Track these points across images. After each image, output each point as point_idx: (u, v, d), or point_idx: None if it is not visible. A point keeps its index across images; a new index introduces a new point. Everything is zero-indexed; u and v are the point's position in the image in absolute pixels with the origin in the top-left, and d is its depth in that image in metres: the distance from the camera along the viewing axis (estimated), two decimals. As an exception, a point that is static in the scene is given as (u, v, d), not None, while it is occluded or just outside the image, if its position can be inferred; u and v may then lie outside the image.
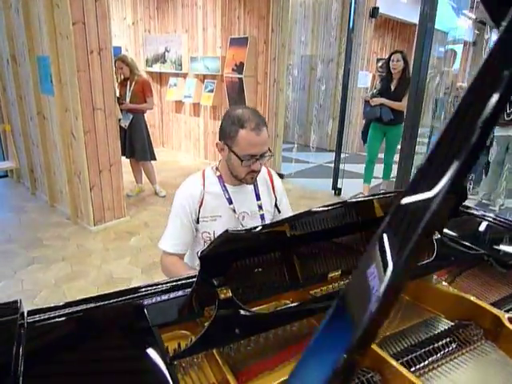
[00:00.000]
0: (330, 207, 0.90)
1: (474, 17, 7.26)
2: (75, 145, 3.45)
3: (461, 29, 7.88)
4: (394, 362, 0.85)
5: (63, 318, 0.86)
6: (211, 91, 5.53)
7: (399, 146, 3.61)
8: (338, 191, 4.84)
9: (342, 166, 4.77)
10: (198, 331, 0.93)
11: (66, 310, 0.89)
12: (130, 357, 0.74)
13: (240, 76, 4.94)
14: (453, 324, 1.07)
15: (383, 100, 4.19)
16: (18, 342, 0.76)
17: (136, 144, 4.20)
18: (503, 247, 1.32)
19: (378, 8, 5.99)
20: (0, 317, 0.81)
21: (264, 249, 0.94)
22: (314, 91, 7.16)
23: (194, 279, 0.98)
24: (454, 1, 5.99)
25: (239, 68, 4.95)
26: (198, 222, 1.54)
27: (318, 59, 7.01)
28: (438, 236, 1.21)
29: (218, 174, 1.57)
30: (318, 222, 0.92)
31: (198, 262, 1.63)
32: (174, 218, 1.56)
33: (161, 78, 6.38)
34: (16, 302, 0.87)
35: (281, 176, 4.97)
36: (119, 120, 3.90)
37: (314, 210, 0.88)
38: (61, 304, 0.90)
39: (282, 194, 1.72)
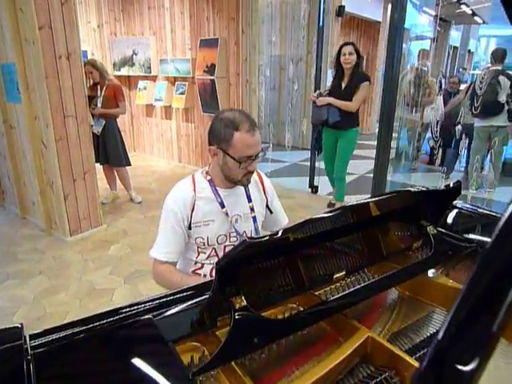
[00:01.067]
0: (339, 210, 0.91)
1: (434, 14, 7.54)
2: (46, 153, 3.31)
3: (423, 25, 8.16)
4: (409, 359, 0.87)
5: (69, 340, 0.82)
6: (183, 93, 5.46)
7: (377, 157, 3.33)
8: (314, 189, 4.90)
9: (317, 165, 4.83)
10: (209, 341, 0.92)
11: (70, 331, 0.85)
12: (150, 375, 0.72)
13: (212, 77, 4.90)
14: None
15: (330, 99, 3.62)
16: (27, 368, 0.72)
17: (110, 150, 4.09)
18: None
19: (344, 6, 6.10)
20: (4, 343, 0.76)
21: (274, 254, 0.94)
22: (285, 91, 7.22)
23: (193, 291, 0.97)
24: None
25: (211, 69, 4.91)
26: (190, 227, 1.52)
27: (286, 59, 7.06)
28: (434, 231, 1.25)
29: (209, 178, 1.55)
30: (329, 224, 0.93)
31: (191, 268, 1.62)
32: (164, 226, 1.52)
33: (129, 81, 6.24)
34: (17, 327, 0.83)
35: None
36: (91, 126, 3.80)
37: (327, 214, 0.89)
38: (62, 324, 0.87)
39: (273, 195, 1.73)
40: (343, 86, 3.71)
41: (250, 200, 1.60)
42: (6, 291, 2.76)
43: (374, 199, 1.04)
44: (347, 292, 1.02)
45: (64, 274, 2.99)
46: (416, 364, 0.87)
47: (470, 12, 9.38)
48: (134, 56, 5.75)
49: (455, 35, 12.23)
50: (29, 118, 3.31)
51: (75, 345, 0.81)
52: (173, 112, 5.86)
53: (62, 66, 3.13)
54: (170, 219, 1.50)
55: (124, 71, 5.97)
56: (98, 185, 3.68)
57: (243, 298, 0.84)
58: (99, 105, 3.97)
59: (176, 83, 5.54)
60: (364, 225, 1.20)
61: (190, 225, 1.51)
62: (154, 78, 5.85)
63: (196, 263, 1.61)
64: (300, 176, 5.40)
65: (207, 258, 1.58)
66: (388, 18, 8.48)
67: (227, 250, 1.58)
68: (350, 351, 0.88)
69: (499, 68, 4.40)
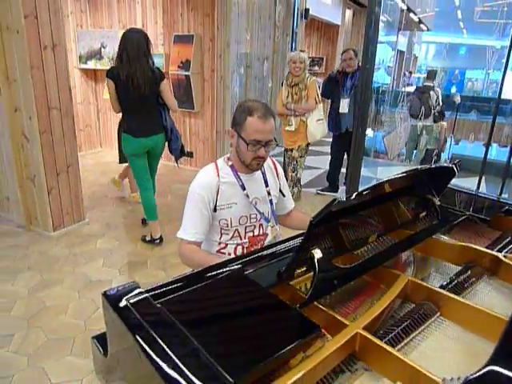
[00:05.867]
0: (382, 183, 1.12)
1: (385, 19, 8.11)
2: (28, 147, 3.24)
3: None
4: (442, 291, 1.10)
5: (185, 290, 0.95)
6: (155, 89, 5.44)
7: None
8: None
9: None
10: (283, 290, 1.07)
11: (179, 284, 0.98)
12: (268, 311, 0.88)
13: (187, 73, 4.97)
14: (462, 267, 1.36)
15: None
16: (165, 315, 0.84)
17: None
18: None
19: (309, 9, 6.39)
20: (130, 297, 0.88)
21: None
22: (252, 88, 7.38)
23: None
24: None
25: (185, 65, 4.98)
26: (215, 210, 1.65)
27: (253, 57, 7.22)
28: (439, 203, 1.49)
29: (230, 163, 1.69)
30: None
31: (216, 248, 1.76)
32: (192, 209, 1.64)
33: (95, 75, 6.10)
34: (133, 282, 0.94)
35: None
36: None
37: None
38: (163, 283, 0.99)
39: (284, 181, 1.91)
40: None
41: (267, 184, 1.77)
42: (-5, 287, 2.69)
43: (398, 177, 1.23)
44: (385, 248, 1.23)
45: (55, 268, 2.96)
46: (450, 295, 1.09)
47: (417, 20, 10.14)
48: (103, 49, 5.64)
49: (402, 40, 13.12)
50: (9, 110, 3.21)
51: (190, 294, 0.94)
52: (143, 107, 5.81)
53: (47, 57, 3.08)
54: (198, 203, 1.62)
55: (91, 64, 5.83)
56: (81, 179, 3.64)
57: (318, 249, 1.01)
58: None
59: (147, 78, 5.51)
60: (382, 199, 1.41)
61: (215, 207, 1.65)
62: (123, 73, 5.76)
63: (220, 244, 1.75)
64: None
65: (231, 239, 1.73)
66: (346, 22, 8.89)
67: (248, 230, 1.74)
68: (398, 291, 1.09)
69: (431, 84, 5.67)
